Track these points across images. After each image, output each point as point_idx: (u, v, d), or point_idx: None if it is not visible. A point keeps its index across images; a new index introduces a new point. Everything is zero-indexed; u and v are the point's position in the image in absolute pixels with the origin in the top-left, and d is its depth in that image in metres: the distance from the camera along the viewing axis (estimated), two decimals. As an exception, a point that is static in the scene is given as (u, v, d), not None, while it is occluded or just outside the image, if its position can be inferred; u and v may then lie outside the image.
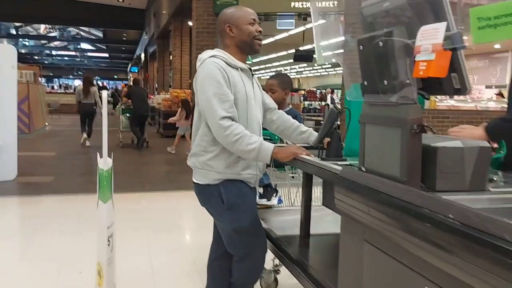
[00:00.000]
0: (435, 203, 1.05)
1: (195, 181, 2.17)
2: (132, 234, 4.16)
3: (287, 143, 2.71)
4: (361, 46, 1.36)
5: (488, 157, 1.29)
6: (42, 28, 36.38)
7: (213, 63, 2.03)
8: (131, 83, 10.94)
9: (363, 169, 1.45)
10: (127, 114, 10.29)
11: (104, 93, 2.22)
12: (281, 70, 29.63)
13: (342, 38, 1.87)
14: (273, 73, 3.63)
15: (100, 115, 9.64)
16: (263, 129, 2.43)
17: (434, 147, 1.27)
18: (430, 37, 1.08)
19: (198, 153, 2.12)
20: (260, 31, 2.14)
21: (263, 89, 2.42)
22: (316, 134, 2.38)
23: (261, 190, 3.05)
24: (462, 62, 1.16)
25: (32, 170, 7.29)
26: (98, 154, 2.25)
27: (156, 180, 6.98)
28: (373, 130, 1.40)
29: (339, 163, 1.79)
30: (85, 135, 10.12)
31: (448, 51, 1.07)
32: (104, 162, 2.18)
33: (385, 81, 1.28)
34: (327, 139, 1.94)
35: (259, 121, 2.22)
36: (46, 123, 15.06)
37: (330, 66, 29.49)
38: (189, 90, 12.70)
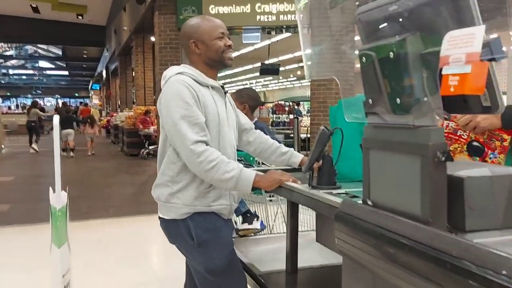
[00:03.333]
0: (481, 255, 0.82)
1: (160, 215, 1.90)
2: (96, 266, 3.79)
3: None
4: (364, 58, 1.14)
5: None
6: (-3, 46, 34.99)
7: (179, 81, 1.78)
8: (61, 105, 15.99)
9: (370, 203, 1.22)
10: None
11: (55, 119, 1.89)
12: (247, 84, 29.56)
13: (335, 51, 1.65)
14: (239, 87, 3.41)
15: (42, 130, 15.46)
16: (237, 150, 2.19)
17: (459, 178, 1.05)
18: (462, 44, 0.86)
19: (163, 184, 1.86)
20: (230, 45, 1.92)
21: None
22: (298, 154, 2.16)
23: (238, 218, 2.78)
24: (494, 74, 0.95)
25: (-15, 198, 6.75)
26: (50, 188, 1.93)
27: (121, 204, 6.56)
28: (381, 158, 1.17)
29: (334, 192, 1.56)
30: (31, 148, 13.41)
31: (485, 62, 0.85)
32: (57, 199, 1.85)
33: (398, 99, 1.06)
34: (317, 164, 1.70)
35: (233, 145, 1.98)
36: (3, 146, 14.28)
37: (295, 78, 29.62)
38: (154, 107, 12.34)
